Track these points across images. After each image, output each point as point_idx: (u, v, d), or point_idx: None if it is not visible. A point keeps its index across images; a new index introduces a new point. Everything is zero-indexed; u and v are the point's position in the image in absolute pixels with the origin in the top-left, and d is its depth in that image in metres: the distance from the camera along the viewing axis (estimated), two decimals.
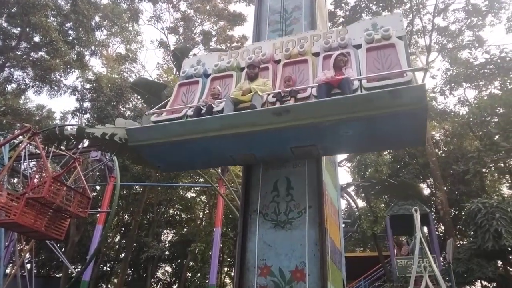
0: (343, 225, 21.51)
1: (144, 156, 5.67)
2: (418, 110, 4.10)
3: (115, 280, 28.68)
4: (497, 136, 15.22)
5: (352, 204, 23.52)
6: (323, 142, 4.96)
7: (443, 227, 19.52)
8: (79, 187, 8.07)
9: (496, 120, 16.51)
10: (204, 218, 29.62)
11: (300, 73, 5.76)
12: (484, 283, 17.57)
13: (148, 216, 27.59)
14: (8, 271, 12.56)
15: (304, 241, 5.77)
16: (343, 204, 25.95)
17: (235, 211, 13.40)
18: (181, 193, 28.02)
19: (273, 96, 5.26)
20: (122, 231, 27.83)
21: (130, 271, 27.28)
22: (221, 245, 17.24)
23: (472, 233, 12.65)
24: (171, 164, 6.25)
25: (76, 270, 20.02)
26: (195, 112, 5.41)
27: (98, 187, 24.20)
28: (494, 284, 13.87)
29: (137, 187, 25.46)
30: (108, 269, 29.36)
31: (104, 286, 30.79)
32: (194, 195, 29.33)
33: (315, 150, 5.08)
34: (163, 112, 5.85)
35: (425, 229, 16.46)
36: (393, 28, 5.52)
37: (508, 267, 12.43)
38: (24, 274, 11.46)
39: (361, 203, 24.38)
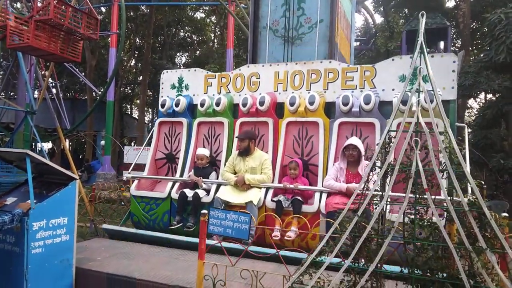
0: (358, 43, 21.13)
1: None
2: None
3: (138, 101, 30.74)
4: None
5: (370, 20, 22.36)
6: None
7: (461, 42, 19.03)
8: (84, 8, 7.83)
9: None
10: (216, 40, 29.40)
11: (308, 141, 4.91)
12: (489, 96, 18.26)
13: (159, 39, 27.43)
14: (36, 95, 13.49)
15: (314, 57, 5.90)
16: (360, 20, 24.85)
17: (246, 31, 13.12)
18: (190, 13, 27.00)
19: (272, 200, 4.57)
20: (136, 55, 28.21)
21: (150, 93, 28.86)
22: (234, 66, 17.56)
23: (487, 46, 12.44)
24: None
25: (100, 91, 21.24)
26: (180, 198, 4.98)
27: (103, 9, 23.38)
28: (498, 95, 14.35)
29: (143, 8, 24.49)
30: (130, 91, 31.10)
31: (128, 106, 33.25)
32: (203, 15, 28.34)
33: None
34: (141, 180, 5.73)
35: (441, 44, 16.11)
36: (443, 81, 4.58)
37: None
38: (52, 97, 12.28)
39: (379, 20, 23.31)
